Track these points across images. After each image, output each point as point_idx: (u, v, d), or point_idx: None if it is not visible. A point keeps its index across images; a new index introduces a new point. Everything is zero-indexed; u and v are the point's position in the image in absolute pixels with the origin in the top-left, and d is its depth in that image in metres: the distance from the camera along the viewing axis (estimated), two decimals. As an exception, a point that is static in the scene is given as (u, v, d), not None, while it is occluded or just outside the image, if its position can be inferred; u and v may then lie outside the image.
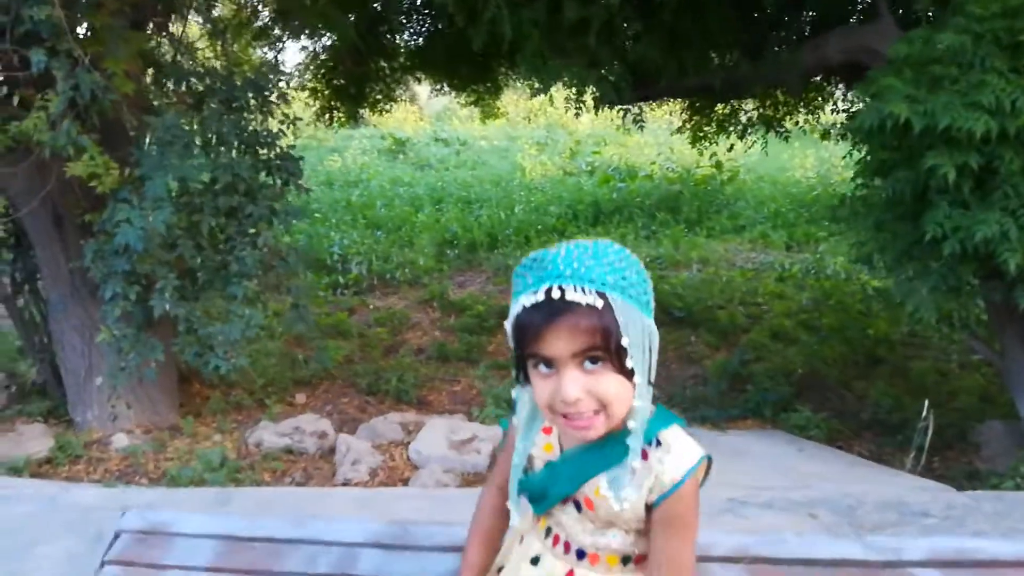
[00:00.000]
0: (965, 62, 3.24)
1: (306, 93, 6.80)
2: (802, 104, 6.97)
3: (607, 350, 1.05)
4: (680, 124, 7.84)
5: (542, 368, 1.09)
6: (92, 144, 3.44)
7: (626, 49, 4.93)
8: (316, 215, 9.38)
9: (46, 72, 3.33)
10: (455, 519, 1.81)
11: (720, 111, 7.12)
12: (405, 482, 3.87)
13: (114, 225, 3.54)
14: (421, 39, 6.50)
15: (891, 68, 3.49)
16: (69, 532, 2.89)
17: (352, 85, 6.67)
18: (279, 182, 4.09)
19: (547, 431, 1.27)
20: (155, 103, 3.96)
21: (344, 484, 3.83)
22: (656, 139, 14.34)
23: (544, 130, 16.67)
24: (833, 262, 7.89)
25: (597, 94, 5.61)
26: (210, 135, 3.79)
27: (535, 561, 1.28)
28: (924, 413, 4.01)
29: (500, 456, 1.40)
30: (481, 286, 7.71)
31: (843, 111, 6.47)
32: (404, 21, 6.21)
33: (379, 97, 7.03)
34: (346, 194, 10.82)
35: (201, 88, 4.00)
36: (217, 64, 4.39)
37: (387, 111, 7.45)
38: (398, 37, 6.52)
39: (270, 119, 4.08)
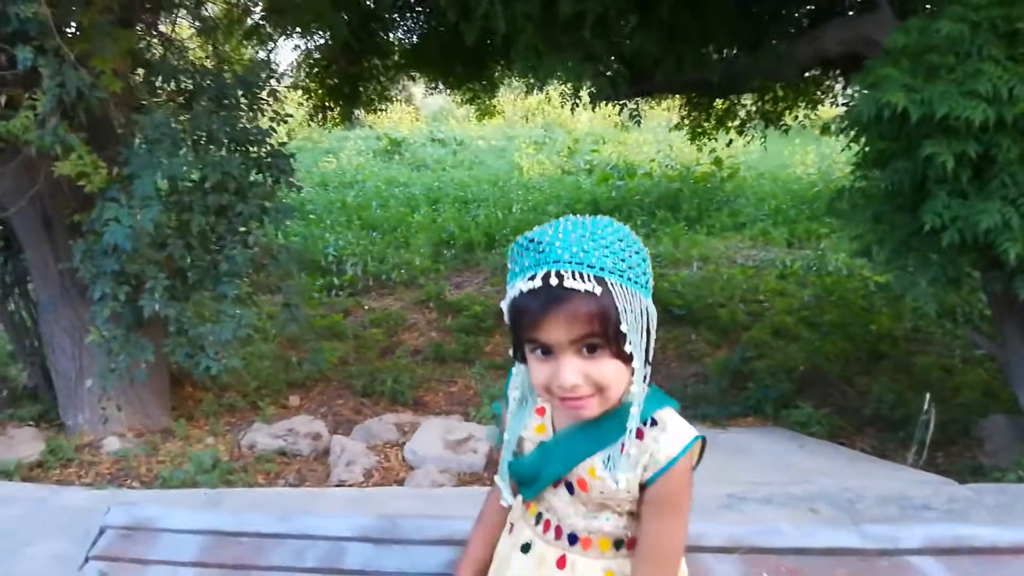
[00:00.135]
0: (962, 51, 3.19)
1: (299, 93, 6.75)
2: (801, 99, 6.92)
3: (605, 336, 1.04)
4: (678, 120, 7.79)
5: (539, 353, 1.08)
6: (80, 143, 3.40)
7: (622, 43, 4.88)
8: (311, 216, 9.34)
9: (34, 71, 3.29)
10: (449, 515, 1.78)
11: (719, 106, 7.07)
12: (400, 483, 3.82)
13: (102, 224, 3.50)
14: (415, 37, 6.45)
15: (888, 58, 3.44)
16: (59, 533, 2.88)
17: (346, 84, 6.62)
18: (270, 180, 4.04)
19: (540, 412, 1.25)
20: (144, 102, 3.92)
21: (338, 485, 3.78)
22: (655, 137, 14.29)
23: (542, 129, 16.61)
24: (835, 258, 7.83)
25: (593, 89, 5.57)
26: (199, 133, 3.74)
27: (526, 548, 1.26)
28: (925, 407, 3.96)
29: (502, 448, 1.35)
30: (478, 286, 7.66)
31: (843, 105, 6.42)
32: (397, 18, 6.16)
33: (374, 96, 6.98)
34: (341, 195, 10.76)
35: (191, 86, 3.96)
36: (208, 63, 4.36)
37: (382, 111, 7.40)
38: (392, 35, 6.47)
39: (261, 117, 4.04)
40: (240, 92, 3.94)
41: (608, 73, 5.29)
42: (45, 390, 4.48)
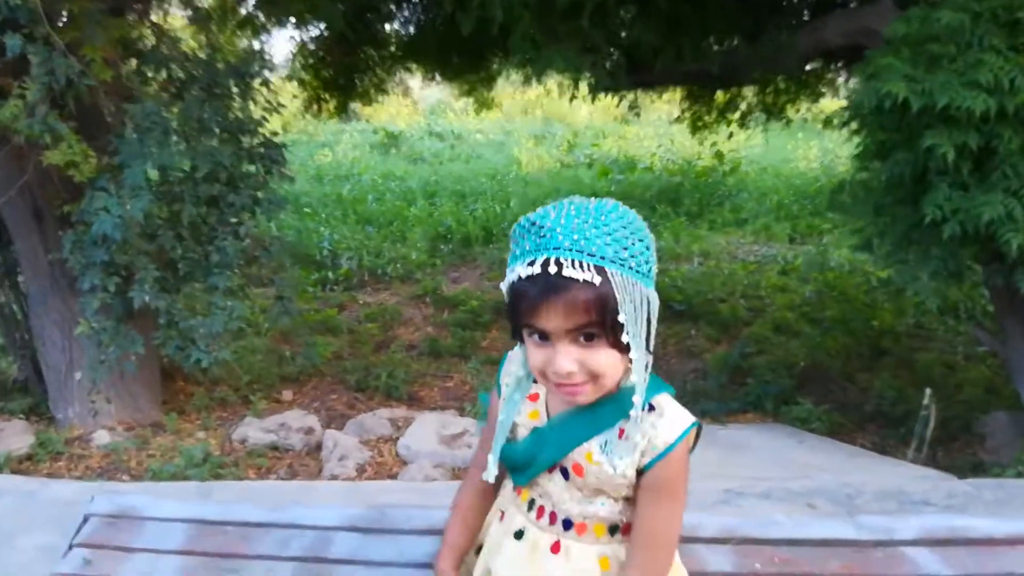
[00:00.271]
0: (963, 40, 3.16)
1: (294, 84, 6.69)
2: (803, 92, 6.86)
3: (602, 326, 1.04)
4: (679, 113, 7.73)
5: (536, 338, 1.09)
6: (69, 132, 3.36)
7: (621, 33, 4.84)
8: (306, 210, 9.27)
9: (23, 59, 3.25)
10: (438, 506, 1.74)
11: (719, 99, 7.01)
12: (393, 477, 3.78)
13: (92, 214, 3.45)
14: (412, 27, 6.39)
15: (889, 48, 3.40)
16: (47, 525, 2.87)
17: (341, 76, 6.56)
18: (262, 171, 3.99)
19: (533, 398, 1.24)
20: (134, 91, 3.88)
21: (331, 480, 3.74)
22: (656, 131, 14.22)
23: (541, 123, 16.55)
24: (837, 254, 7.78)
25: (592, 80, 5.52)
26: (190, 122, 3.69)
27: (519, 535, 1.24)
28: (925, 401, 3.92)
29: (483, 432, 1.36)
30: (475, 281, 7.61)
31: (844, 98, 6.38)
32: (394, 9, 6.10)
33: (370, 88, 6.91)
34: (336, 188, 10.67)
35: (182, 75, 3.91)
36: (201, 53, 4.31)
37: (378, 103, 7.34)
38: (388, 26, 6.41)
39: (253, 106, 3.98)
40: (232, 81, 3.89)
41: (607, 64, 5.25)
42: (35, 383, 4.44)
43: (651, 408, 1.14)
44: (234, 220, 3.86)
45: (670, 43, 4.84)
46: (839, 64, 6.19)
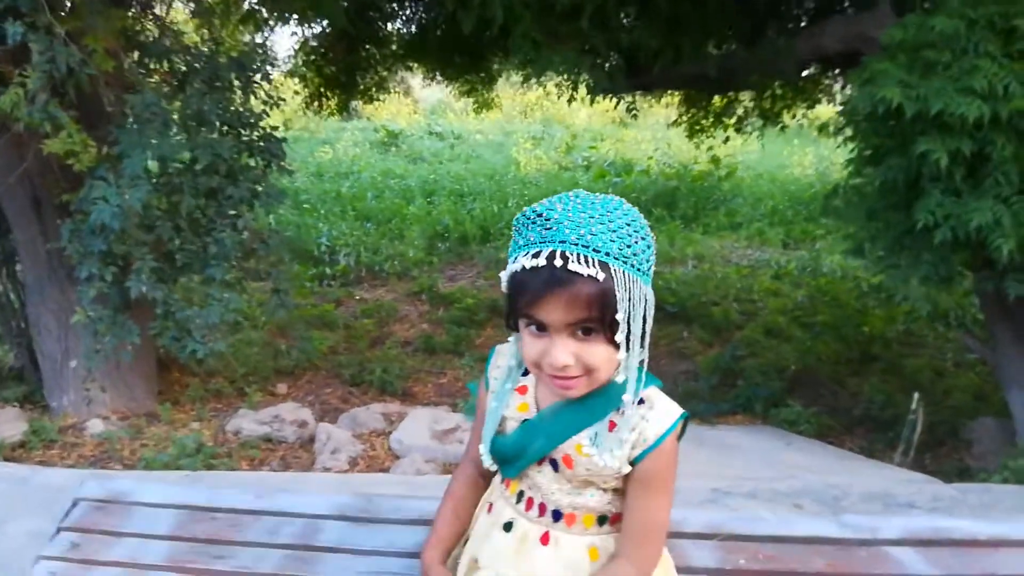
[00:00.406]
0: (959, 47, 3.18)
1: (296, 80, 6.71)
2: (800, 98, 6.90)
3: (602, 322, 1.05)
4: (676, 117, 7.77)
5: (533, 328, 1.09)
6: (70, 121, 3.37)
7: (621, 35, 4.86)
8: (305, 206, 9.28)
9: (24, 47, 3.26)
10: (427, 496, 1.76)
11: (717, 103, 7.05)
12: (385, 471, 3.80)
13: (90, 204, 3.46)
14: (413, 27, 6.42)
15: (885, 54, 3.43)
16: (38, 511, 2.86)
17: (343, 73, 6.59)
18: (262, 164, 4.01)
19: (521, 391, 1.25)
20: (136, 84, 3.89)
21: (323, 472, 3.76)
22: (653, 134, 14.26)
23: (540, 125, 16.56)
24: (830, 259, 7.82)
25: (591, 82, 5.55)
26: (190, 114, 3.71)
27: (508, 527, 1.25)
28: (913, 406, 3.95)
29: (473, 425, 1.36)
30: (472, 280, 7.63)
31: (840, 103, 6.42)
32: (396, 8, 6.13)
33: (371, 86, 6.94)
34: (336, 185, 10.68)
35: (184, 67, 3.93)
36: (203, 47, 4.33)
37: (379, 101, 7.36)
38: (390, 25, 6.43)
39: (253, 99, 4.00)
40: (233, 75, 3.90)
41: (606, 66, 5.28)
42: (31, 371, 4.45)
43: (640, 401, 1.15)
44: (232, 212, 3.87)
45: (669, 45, 4.87)
46: (836, 71, 6.23)
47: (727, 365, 5.51)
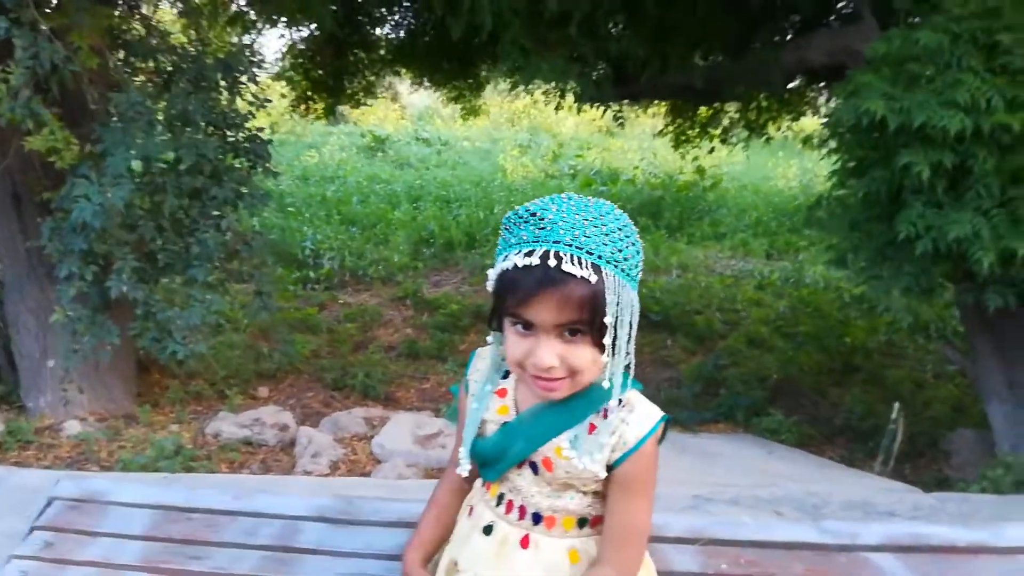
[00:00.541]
0: (942, 61, 3.22)
1: (283, 83, 6.69)
2: (785, 110, 6.96)
3: (591, 324, 1.05)
4: (662, 127, 7.80)
5: (519, 328, 1.08)
6: (52, 118, 3.34)
7: (609, 44, 4.89)
8: (290, 209, 9.23)
9: (7, 43, 3.24)
10: (407, 499, 1.75)
11: (703, 114, 7.09)
12: (367, 476, 3.77)
13: (72, 202, 3.43)
14: (402, 32, 6.42)
15: (869, 67, 3.47)
16: (11, 511, 2.81)
17: (330, 77, 6.57)
18: (247, 165, 3.99)
19: (501, 394, 1.24)
20: (120, 81, 3.86)
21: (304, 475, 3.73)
22: (640, 144, 14.32)
23: (527, 133, 16.60)
24: (813, 270, 7.88)
25: (578, 90, 5.57)
26: (175, 113, 3.69)
27: (488, 530, 1.24)
28: (893, 415, 3.97)
29: (456, 430, 1.35)
30: (456, 285, 7.61)
31: (824, 116, 6.47)
32: (385, 12, 6.12)
33: (358, 91, 6.92)
34: (321, 189, 10.62)
35: (169, 67, 3.91)
36: (190, 47, 4.31)
37: (367, 105, 7.34)
38: (378, 29, 6.43)
39: (239, 100, 3.98)
40: (220, 75, 3.88)
41: (594, 75, 5.30)
42: (8, 371, 4.38)
43: (620, 403, 1.15)
44: (216, 213, 3.85)
45: (656, 55, 4.90)
46: (821, 84, 6.28)
47: (710, 374, 5.53)
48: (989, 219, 3.06)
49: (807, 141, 7.20)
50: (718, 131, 7.15)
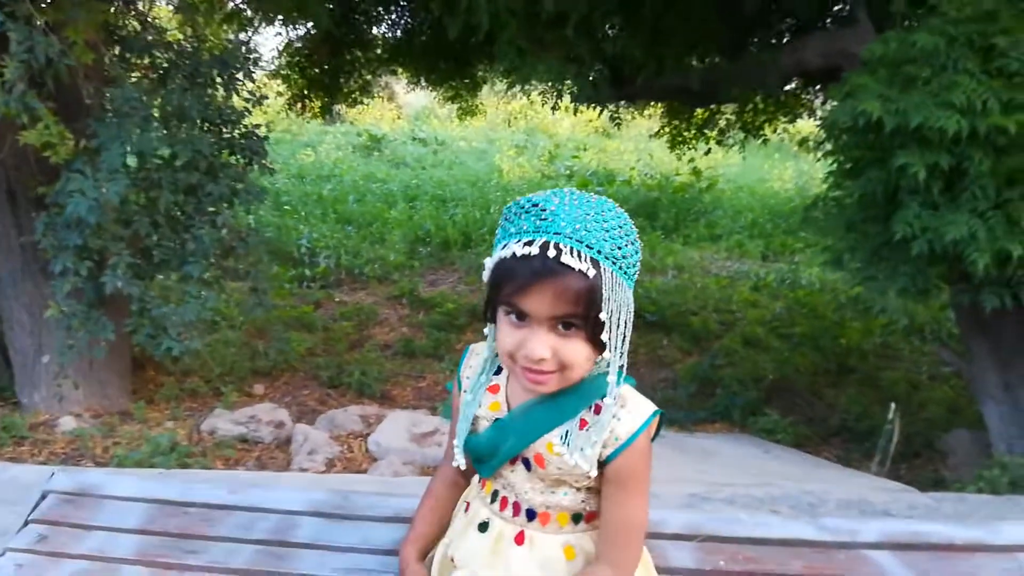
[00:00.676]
0: (938, 63, 3.23)
1: (279, 81, 6.68)
2: (781, 112, 6.98)
3: (585, 319, 1.04)
4: (659, 128, 7.81)
5: (513, 318, 1.07)
6: (47, 112, 3.32)
7: (605, 45, 4.89)
8: (286, 207, 9.22)
9: (2, 38, 3.22)
10: (403, 494, 1.74)
11: (699, 115, 7.10)
12: (363, 473, 3.76)
13: (66, 197, 3.42)
14: (399, 31, 6.42)
15: (865, 68, 3.48)
16: (5, 506, 2.80)
17: (327, 75, 6.57)
18: (242, 161, 3.98)
19: (493, 390, 1.23)
20: (116, 76, 3.85)
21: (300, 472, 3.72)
22: (636, 145, 14.34)
23: (524, 134, 16.60)
24: (808, 272, 7.89)
25: (575, 90, 5.58)
26: (170, 108, 3.68)
27: (483, 527, 1.24)
28: (890, 416, 3.98)
29: (451, 425, 1.34)
30: (453, 284, 7.62)
31: (820, 118, 6.49)
32: (381, 12, 6.12)
33: (355, 90, 6.92)
34: (318, 188, 10.61)
35: (165, 63, 3.89)
36: (186, 43, 4.30)
37: (363, 104, 7.33)
38: (375, 28, 6.43)
39: (235, 97, 3.97)
40: (216, 72, 3.88)
41: (590, 75, 5.30)
42: (2, 367, 4.37)
43: (612, 399, 1.14)
44: (212, 209, 3.84)
45: (652, 56, 4.91)
46: (817, 87, 6.30)
47: (705, 374, 5.54)
48: (985, 220, 3.07)
49: (803, 143, 7.25)
50: (714, 133, 7.16)
